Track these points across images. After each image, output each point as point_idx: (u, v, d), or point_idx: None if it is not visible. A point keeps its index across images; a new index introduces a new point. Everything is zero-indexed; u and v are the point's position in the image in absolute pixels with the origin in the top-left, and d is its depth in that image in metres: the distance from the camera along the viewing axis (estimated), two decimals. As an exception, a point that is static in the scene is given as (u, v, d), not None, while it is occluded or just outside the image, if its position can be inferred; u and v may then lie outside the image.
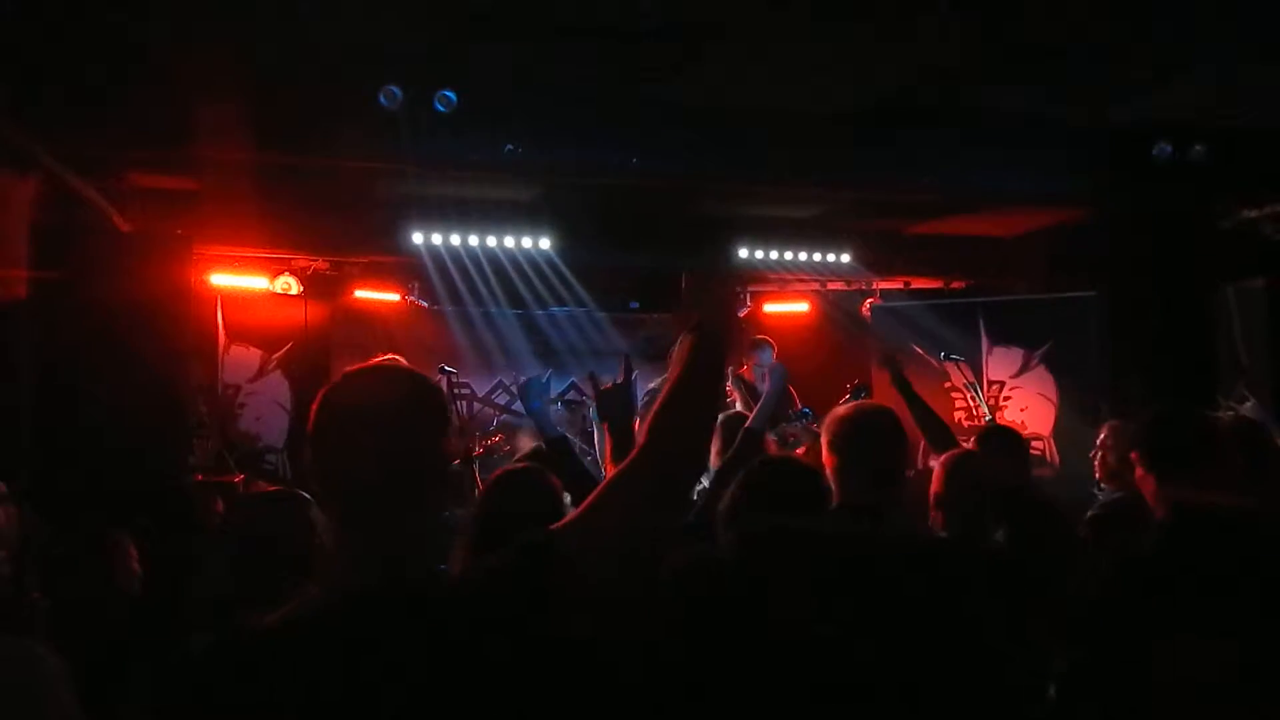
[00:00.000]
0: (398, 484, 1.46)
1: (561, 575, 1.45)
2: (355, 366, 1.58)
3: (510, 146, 5.23)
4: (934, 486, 3.10)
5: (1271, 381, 6.08)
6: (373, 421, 1.46)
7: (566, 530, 1.50)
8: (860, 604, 2.17)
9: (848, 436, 2.68)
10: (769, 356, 6.46)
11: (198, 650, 1.42)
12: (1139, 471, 2.68)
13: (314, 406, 1.50)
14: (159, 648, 2.59)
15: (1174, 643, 2.31)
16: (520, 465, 2.89)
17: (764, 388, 6.20)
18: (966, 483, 3.18)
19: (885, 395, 7.46)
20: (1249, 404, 5.71)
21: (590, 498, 1.53)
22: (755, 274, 8.33)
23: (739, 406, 5.81)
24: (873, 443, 2.68)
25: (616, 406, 2.87)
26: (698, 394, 1.59)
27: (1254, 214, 6.42)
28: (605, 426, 2.80)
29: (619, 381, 2.97)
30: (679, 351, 1.62)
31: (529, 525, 2.47)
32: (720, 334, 1.62)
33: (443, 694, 1.39)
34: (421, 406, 1.53)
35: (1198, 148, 5.70)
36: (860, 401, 2.92)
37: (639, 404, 8.97)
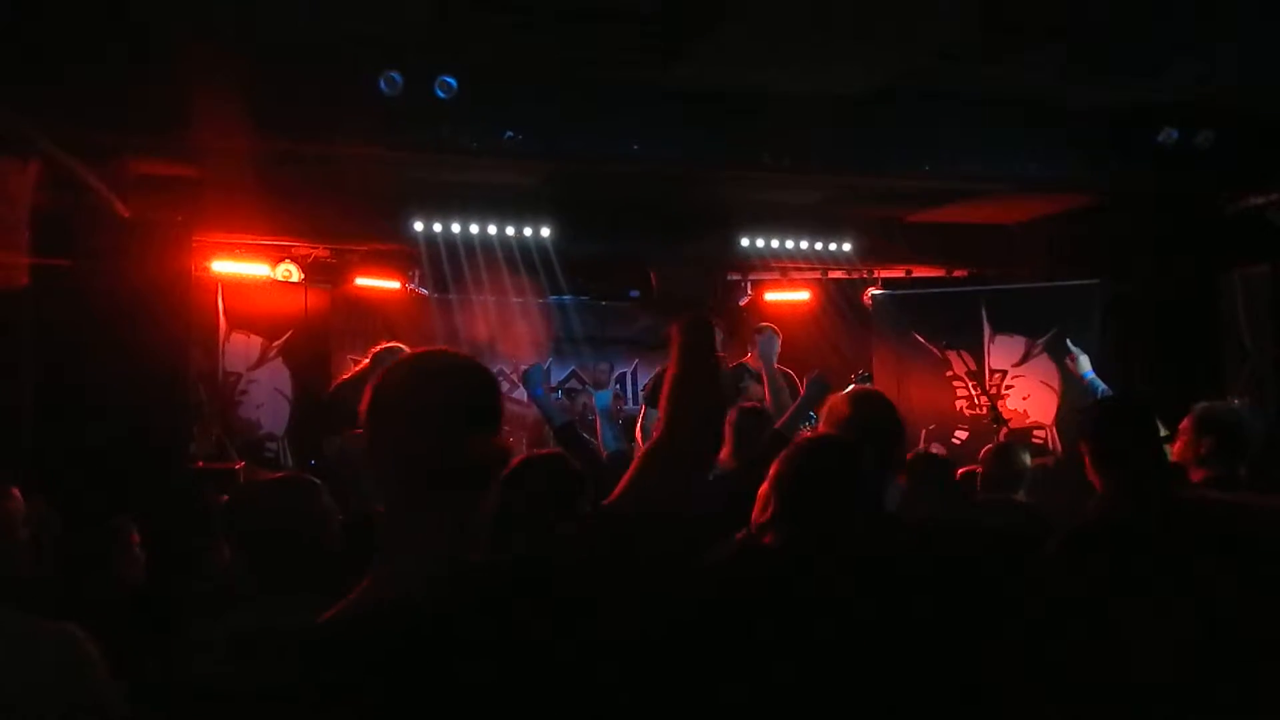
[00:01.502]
0: (469, 469, 1.46)
1: (627, 537, 1.53)
2: (409, 351, 1.59)
3: (510, 133, 5.21)
4: None
5: (1275, 368, 6.07)
6: (448, 404, 1.47)
7: (622, 499, 1.59)
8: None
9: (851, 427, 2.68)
10: (774, 343, 6.44)
11: (266, 646, 1.41)
12: (1087, 461, 2.72)
13: (374, 384, 1.50)
14: (164, 636, 2.58)
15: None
16: (543, 451, 2.93)
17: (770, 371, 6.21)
18: None
19: (886, 384, 7.48)
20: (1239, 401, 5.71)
21: (629, 473, 1.62)
22: (757, 262, 8.32)
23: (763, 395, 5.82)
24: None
25: None
26: (698, 372, 1.71)
27: (1260, 200, 6.39)
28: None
29: None
30: (674, 339, 1.75)
31: (554, 509, 2.51)
32: (703, 317, 1.75)
33: (543, 678, 1.39)
34: (482, 390, 1.54)
35: (1204, 133, 5.67)
36: (857, 389, 2.93)
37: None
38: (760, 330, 6.48)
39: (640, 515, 1.55)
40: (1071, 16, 4.60)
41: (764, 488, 2.37)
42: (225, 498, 4.96)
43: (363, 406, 1.50)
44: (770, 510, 2.32)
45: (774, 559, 2.28)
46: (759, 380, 5.99)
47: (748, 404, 4.92)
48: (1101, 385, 5.22)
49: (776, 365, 6.40)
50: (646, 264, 7.94)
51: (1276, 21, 4.60)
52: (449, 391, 1.49)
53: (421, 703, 1.32)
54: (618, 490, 1.60)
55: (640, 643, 1.53)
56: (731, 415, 4.32)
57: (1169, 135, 5.66)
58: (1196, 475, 3.38)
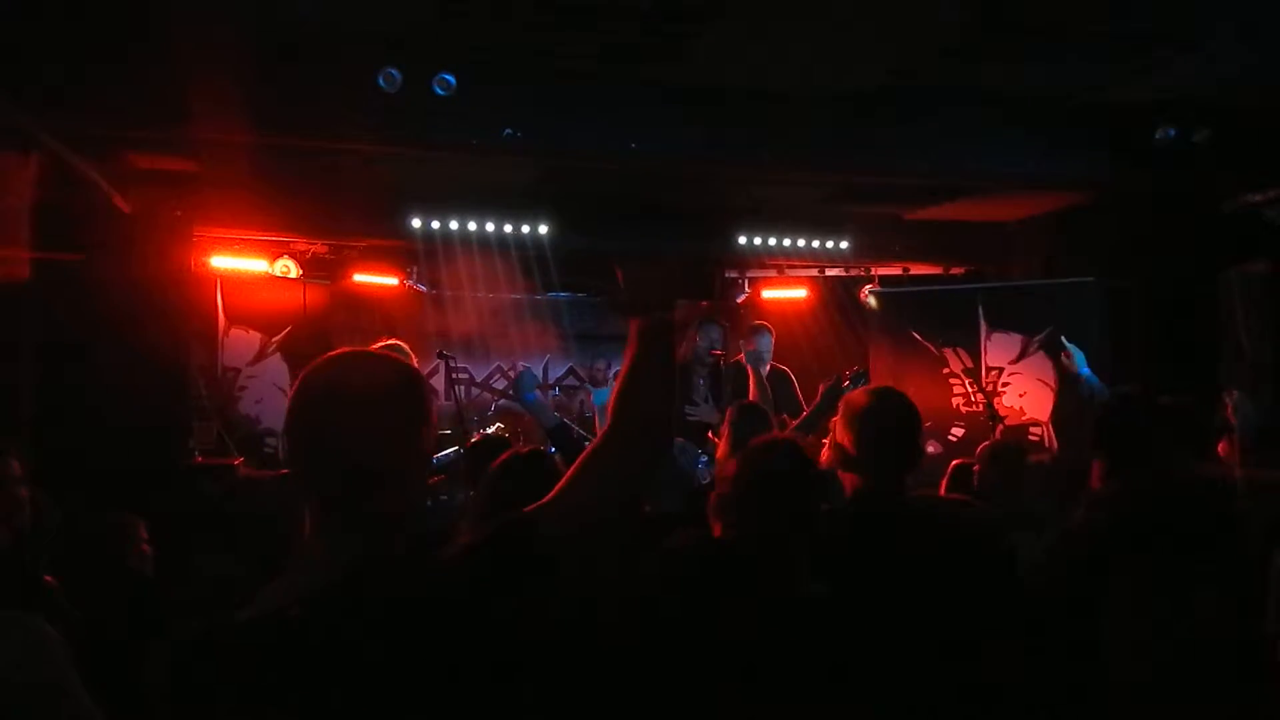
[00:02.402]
0: (377, 470, 1.47)
1: (539, 548, 1.51)
2: (332, 352, 1.59)
3: (509, 131, 5.22)
4: None
5: (1273, 365, 6.08)
6: (352, 406, 1.48)
7: (543, 508, 1.57)
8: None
9: (868, 422, 2.71)
10: (768, 342, 6.45)
11: (181, 646, 1.43)
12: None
13: (291, 392, 1.52)
14: (169, 627, 2.60)
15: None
16: (524, 449, 2.93)
17: (764, 370, 6.23)
18: None
19: (883, 381, 7.49)
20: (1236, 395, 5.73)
21: (564, 478, 1.60)
22: (754, 259, 8.34)
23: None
24: (895, 428, 2.73)
25: None
26: (649, 377, 1.67)
27: (1257, 198, 6.41)
28: None
29: None
30: (630, 337, 1.72)
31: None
32: (664, 318, 1.71)
33: (424, 676, 1.40)
34: (402, 393, 1.54)
35: (1201, 131, 5.69)
36: (876, 388, 2.96)
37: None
38: (754, 329, 6.51)
39: (549, 528, 1.53)
40: (1069, 15, 4.61)
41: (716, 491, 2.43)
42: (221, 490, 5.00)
43: (287, 404, 1.52)
44: (722, 510, 2.38)
45: (715, 556, 2.32)
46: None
47: (746, 402, 4.96)
48: (1097, 382, 5.23)
49: (773, 363, 6.43)
50: (614, 263, 7.98)
51: (1272, 19, 4.62)
52: (364, 398, 1.49)
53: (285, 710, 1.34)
54: (552, 493, 1.60)
55: (555, 648, 1.54)
56: (730, 412, 4.35)
57: (1166, 133, 5.68)
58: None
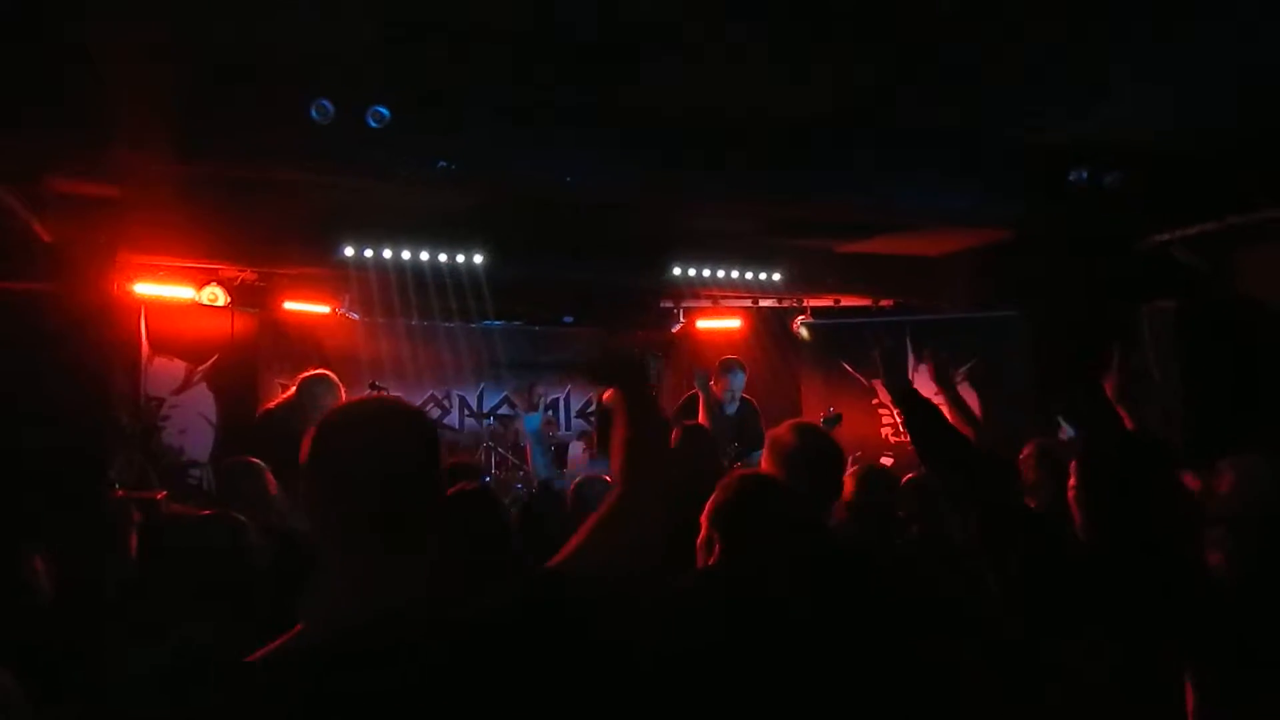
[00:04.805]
0: (401, 515, 1.48)
1: (570, 609, 1.52)
2: (355, 399, 1.62)
3: (443, 163, 5.22)
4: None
5: (1180, 397, 6.30)
6: (380, 451, 1.49)
7: (567, 565, 1.59)
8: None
9: (795, 459, 2.79)
10: (740, 379, 6.55)
11: (198, 687, 1.41)
12: (1072, 480, 2.83)
13: (311, 435, 1.52)
14: (73, 664, 2.54)
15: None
16: (469, 486, 2.89)
17: (731, 409, 6.30)
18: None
19: (815, 411, 7.60)
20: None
21: (580, 536, 1.64)
22: (689, 290, 8.43)
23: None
24: (819, 463, 2.80)
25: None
26: (653, 440, 1.77)
27: (1166, 237, 6.66)
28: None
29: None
30: (617, 403, 1.80)
31: (488, 546, 2.51)
32: (640, 389, 1.81)
33: None
34: (424, 438, 1.56)
35: (1112, 174, 5.91)
36: (800, 424, 3.04)
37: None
38: (725, 365, 6.59)
39: (594, 579, 1.57)
40: (989, 61, 4.76)
41: (702, 534, 2.45)
42: (144, 527, 4.88)
43: (303, 454, 1.51)
44: (714, 547, 2.40)
45: (720, 594, 2.35)
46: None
47: (690, 423, 5.00)
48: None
49: (744, 395, 6.53)
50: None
51: (1181, 66, 4.83)
52: (390, 441, 1.51)
53: None
54: (564, 554, 1.62)
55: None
56: (675, 433, 4.39)
57: (1079, 175, 5.88)
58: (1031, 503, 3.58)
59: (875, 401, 7.93)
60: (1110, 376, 3.72)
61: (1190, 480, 3.48)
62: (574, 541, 1.63)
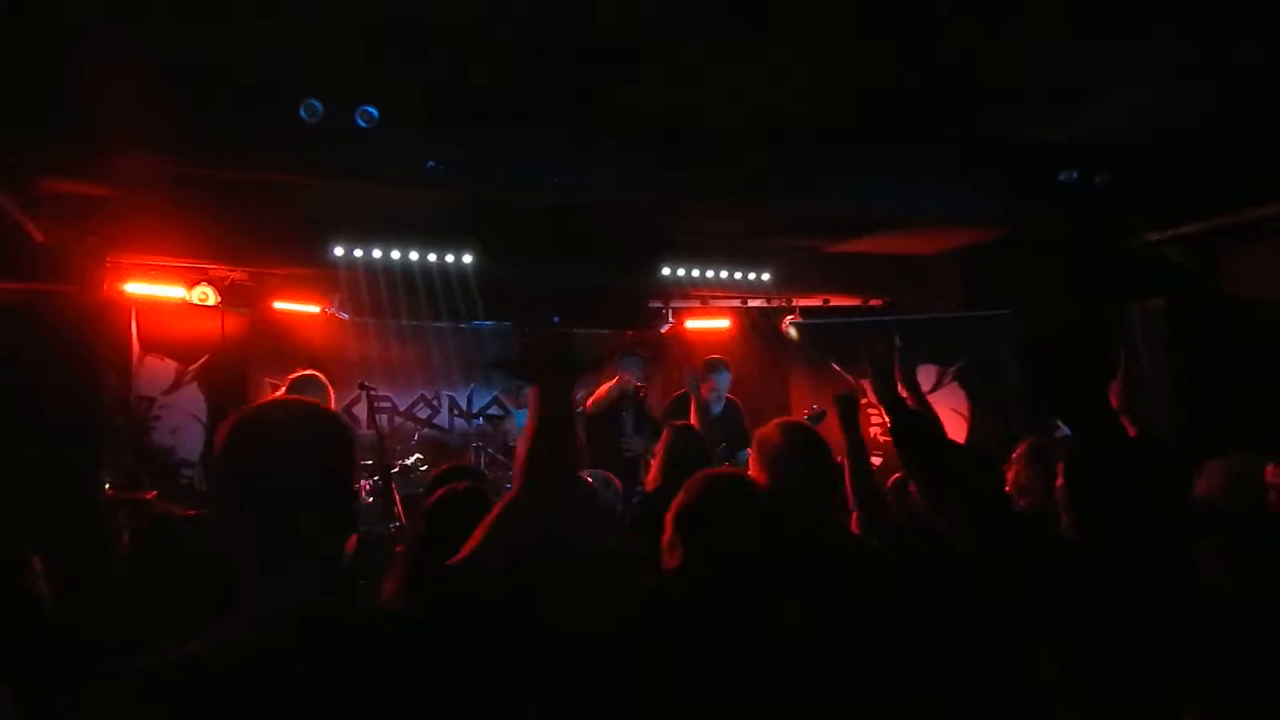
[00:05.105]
0: (314, 505, 1.51)
1: (467, 595, 1.59)
2: (264, 399, 1.64)
3: (432, 163, 5.21)
4: None
5: (1170, 397, 6.34)
6: (290, 444, 1.52)
7: (465, 561, 1.65)
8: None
9: (781, 458, 2.80)
10: (725, 379, 6.56)
11: (123, 680, 1.42)
12: (1060, 481, 2.84)
13: (223, 433, 1.54)
14: (69, 668, 2.54)
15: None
16: (460, 486, 2.87)
17: (717, 409, 6.31)
18: None
19: (804, 411, 7.62)
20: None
21: (479, 531, 1.70)
22: (678, 290, 8.44)
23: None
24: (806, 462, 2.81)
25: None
26: (552, 437, 1.79)
27: (1157, 237, 6.70)
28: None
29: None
30: (531, 400, 1.85)
31: None
32: (557, 386, 1.84)
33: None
34: (333, 431, 1.60)
35: (1103, 174, 5.93)
36: (787, 423, 3.05)
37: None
38: (711, 364, 6.59)
39: (484, 572, 1.62)
40: (981, 62, 4.78)
41: (666, 535, 2.46)
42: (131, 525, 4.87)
43: (215, 453, 1.55)
44: (673, 544, 2.41)
45: (667, 592, 2.36)
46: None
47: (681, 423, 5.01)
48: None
49: (728, 395, 6.54)
50: (602, 284, 8.15)
51: (1174, 66, 4.85)
52: (304, 441, 1.54)
53: None
54: (469, 545, 1.67)
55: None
56: (665, 433, 4.40)
57: (1070, 175, 5.91)
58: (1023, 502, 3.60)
59: (865, 401, 7.87)
60: (1116, 383, 3.73)
61: (1179, 478, 3.50)
62: (472, 538, 1.69)
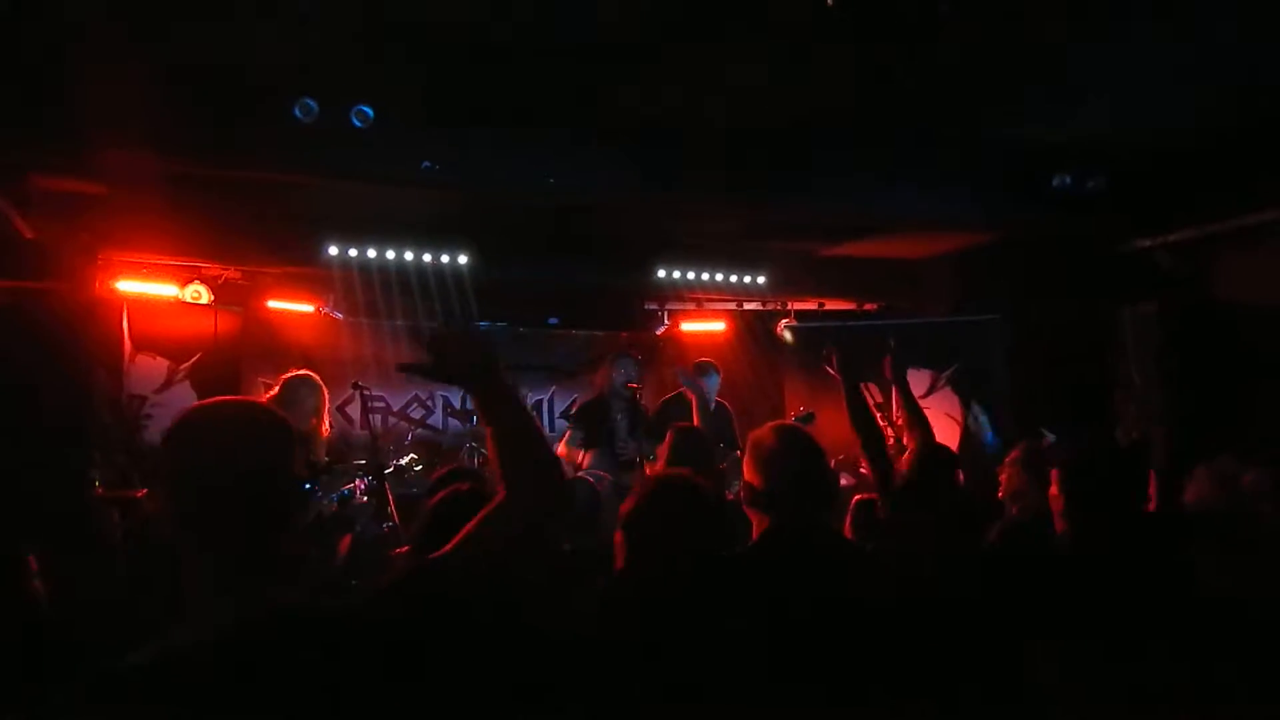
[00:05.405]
0: (254, 504, 1.52)
1: (450, 591, 1.60)
2: (199, 403, 1.65)
3: (428, 163, 5.21)
4: None
5: (1163, 403, 6.36)
6: (225, 443, 1.54)
7: (446, 559, 1.66)
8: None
9: (775, 462, 2.79)
10: (714, 382, 6.58)
11: (73, 692, 1.41)
12: (1054, 489, 2.84)
13: (163, 442, 1.56)
14: (64, 668, 2.52)
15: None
16: (462, 487, 2.85)
17: (709, 406, 6.30)
18: None
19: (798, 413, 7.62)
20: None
21: (464, 532, 1.70)
22: (673, 292, 8.43)
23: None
24: (800, 467, 2.80)
25: None
26: (509, 441, 1.77)
27: (1149, 242, 6.72)
28: None
29: None
30: (475, 407, 1.86)
31: None
32: (487, 388, 1.80)
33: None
34: (270, 428, 1.61)
35: (1096, 179, 5.95)
36: (781, 426, 3.04)
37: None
38: (700, 367, 6.60)
39: (467, 568, 1.63)
40: (979, 64, 4.79)
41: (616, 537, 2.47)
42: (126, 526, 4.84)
43: (159, 454, 1.56)
44: (620, 545, 2.42)
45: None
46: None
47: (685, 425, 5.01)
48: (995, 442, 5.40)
49: (717, 398, 6.54)
50: (598, 285, 8.13)
51: (1165, 73, 4.87)
52: (240, 439, 1.56)
53: None
54: (447, 547, 1.67)
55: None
56: (670, 435, 4.39)
57: (1063, 180, 5.93)
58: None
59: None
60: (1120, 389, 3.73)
61: (1171, 482, 3.51)
62: (459, 535, 1.70)
